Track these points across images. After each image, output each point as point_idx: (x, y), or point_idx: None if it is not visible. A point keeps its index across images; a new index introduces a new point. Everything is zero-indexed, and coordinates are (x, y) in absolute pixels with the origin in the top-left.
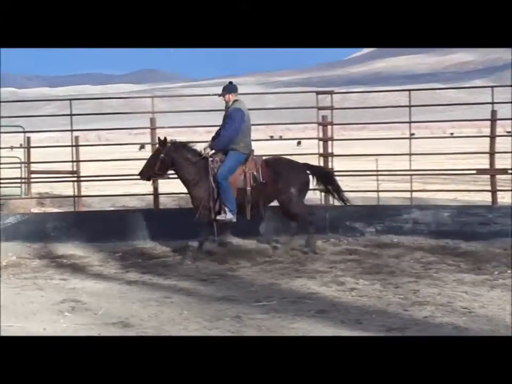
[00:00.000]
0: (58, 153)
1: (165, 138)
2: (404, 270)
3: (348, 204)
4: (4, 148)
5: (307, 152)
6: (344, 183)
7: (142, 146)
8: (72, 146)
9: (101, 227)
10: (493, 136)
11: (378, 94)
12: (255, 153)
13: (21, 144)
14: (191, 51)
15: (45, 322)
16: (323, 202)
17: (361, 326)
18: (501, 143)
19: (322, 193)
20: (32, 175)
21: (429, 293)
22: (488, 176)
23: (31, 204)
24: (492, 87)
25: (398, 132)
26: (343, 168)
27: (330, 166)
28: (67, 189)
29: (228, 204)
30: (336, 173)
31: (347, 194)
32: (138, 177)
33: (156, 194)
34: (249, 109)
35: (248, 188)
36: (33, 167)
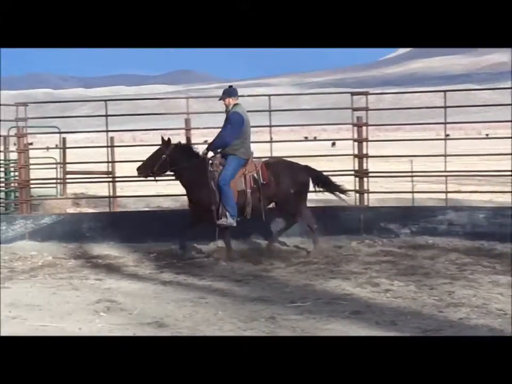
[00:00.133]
0: (93, 154)
1: (169, 139)
2: (438, 272)
3: (347, 195)
4: (40, 149)
5: (342, 153)
6: (378, 184)
7: None
8: (107, 147)
9: (135, 227)
10: None
11: (413, 95)
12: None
13: (56, 145)
14: (226, 52)
15: (80, 322)
16: (357, 203)
17: (396, 328)
18: None
19: (357, 194)
20: (68, 176)
21: (464, 294)
22: None
23: (66, 204)
24: None
25: (433, 132)
26: (377, 169)
27: (365, 167)
28: (102, 189)
29: (229, 208)
30: (371, 174)
31: (381, 196)
32: (138, 173)
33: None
34: (285, 110)
35: (249, 190)
36: (69, 167)
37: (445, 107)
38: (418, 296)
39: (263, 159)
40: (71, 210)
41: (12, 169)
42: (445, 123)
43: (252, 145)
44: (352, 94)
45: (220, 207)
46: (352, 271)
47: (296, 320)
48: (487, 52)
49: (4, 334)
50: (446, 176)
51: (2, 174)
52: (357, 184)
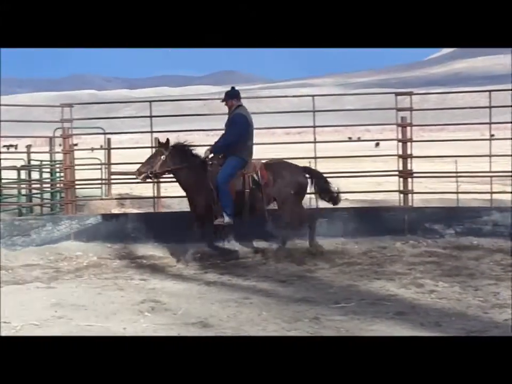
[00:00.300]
0: (138, 155)
1: (167, 140)
2: (483, 273)
3: (338, 203)
4: (85, 150)
5: (386, 154)
6: (423, 184)
7: None
8: (151, 147)
9: (180, 228)
10: None
11: (457, 95)
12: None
13: (101, 146)
14: (270, 52)
15: (125, 322)
16: (402, 203)
17: (441, 329)
18: None
19: (401, 195)
20: (112, 176)
21: (509, 295)
22: None
23: (111, 204)
24: None
25: (477, 133)
26: (422, 169)
27: (409, 168)
28: (147, 190)
29: (226, 208)
30: (415, 175)
31: (426, 196)
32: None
33: None
34: (329, 110)
35: (247, 191)
36: (114, 168)
37: (490, 107)
38: (463, 297)
39: (263, 160)
40: (115, 210)
41: (58, 170)
42: (490, 123)
43: (256, 146)
44: (397, 94)
45: (217, 206)
46: (397, 272)
47: (340, 321)
48: None
49: (51, 334)
50: (491, 176)
51: (48, 175)
52: (401, 184)
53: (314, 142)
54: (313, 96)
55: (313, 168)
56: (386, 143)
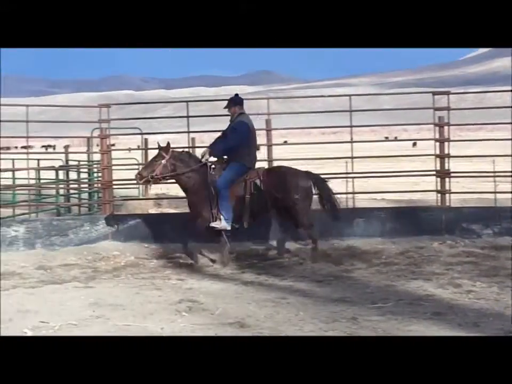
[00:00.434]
0: None
1: (168, 144)
2: None
3: (338, 215)
4: (122, 150)
5: (423, 153)
6: (460, 184)
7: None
8: (188, 147)
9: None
10: None
11: (495, 94)
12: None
13: (138, 146)
14: (306, 52)
15: (163, 322)
16: (439, 203)
17: (479, 329)
18: None
19: (439, 195)
20: None
21: None
22: None
23: (148, 204)
24: None
25: None
26: (459, 169)
27: (446, 167)
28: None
29: (224, 212)
30: (452, 174)
31: (463, 196)
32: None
33: None
34: (366, 110)
35: (247, 196)
36: None
37: None
38: (501, 297)
39: (265, 167)
40: (152, 210)
41: (95, 170)
42: None
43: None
44: (434, 93)
45: (215, 210)
46: (434, 272)
47: (377, 321)
48: None
49: (89, 333)
50: None
51: (86, 175)
52: (439, 184)
53: (351, 141)
54: (349, 95)
55: (316, 173)
56: (423, 143)
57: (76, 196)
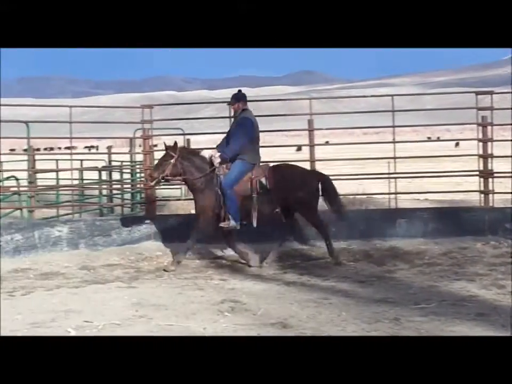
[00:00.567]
0: None
1: (175, 144)
2: None
3: (343, 219)
4: (163, 150)
5: (466, 154)
6: (503, 184)
7: (299, 148)
8: None
9: (261, 229)
10: None
11: None
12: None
13: None
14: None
15: (205, 322)
16: (482, 204)
17: None
18: None
19: (482, 195)
20: None
21: None
22: None
23: (190, 205)
24: None
25: None
26: (503, 169)
27: (489, 167)
28: None
29: (232, 212)
30: (496, 175)
31: (506, 196)
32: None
33: None
34: (409, 110)
35: (254, 195)
36: None
37: None
38: None
39: (271, 164)
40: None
41: (138, 170)
42: None
43: (261, 150)
44: (477, 93)
45: (223, 210)
46: (477, 273)
47: (420, 322)
48: None
49: (132, 333)
50: None
51: (129, 176)
52: (482, 184)
53: (394, 142)
54: (392, 95)
55: (323, 173)
56: (466, 143)
57: (119, 196)
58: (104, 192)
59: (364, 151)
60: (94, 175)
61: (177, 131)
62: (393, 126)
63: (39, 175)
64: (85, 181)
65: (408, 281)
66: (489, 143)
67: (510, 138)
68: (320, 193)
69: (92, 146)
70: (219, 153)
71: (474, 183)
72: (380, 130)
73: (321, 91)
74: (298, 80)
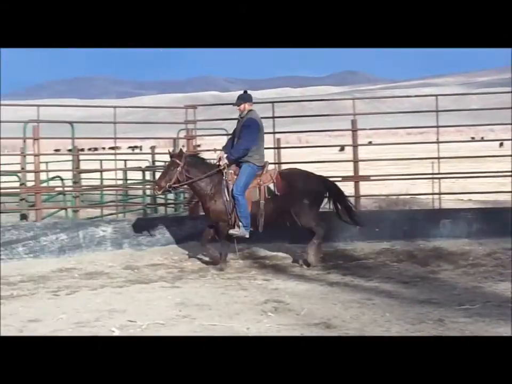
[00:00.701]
0: None
1: (181, 151)
2: None
3: (359, 225)
4: (207, 151)
5: (510, 154)
6: None
7: (342, 148)
8: (274, 148)
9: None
10: None
11: None
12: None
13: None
14: (392, 52)
15: (249, 322)
16: None
17: None
18: None
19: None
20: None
21: None
22: None
23: None
24: None
25: None
26: None
27: None
28: None
29: (243, 219)
30: None
31: None
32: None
33: (357, 196)
34: (453, 110)
35: (262, 201)
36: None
37: None
38: None
39: (278, 170)
40: None
41: None
42: None
43: (265, 151)
44: None
45: (233, 217)
46: None
47: (464, 323)
48: None
49: (175, 333)
50: None
51: None
52: None
53: (437, 142)
54: (436, 95)
55: (329, 179)
56: (510, 143)
57: (162, 196)
58: (148, 192)
59: (407, 151)
60: (137, 175)
61: (220, 131)
62: (437, 126)
63: (83, 175)
64: (128, 181)
65: (452, 282)
66: None
67: None
68: (328, 199)
69: (136, 147)
70: (226, 155)
71: None
72: (423, 130)
73: (365, 91)
74: (341, 80)
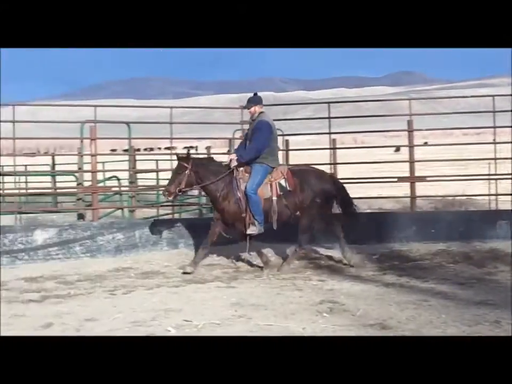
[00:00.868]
0: (314, 156)
1: (188, 154)
2: None
3: (358, 224)
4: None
5: None
6: None
7: (398, 148)
8: (330, 148)
9: (358, 229)
10: None
11: None
12: None
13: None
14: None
15: (304, 322)
16: None
17: None
18: None
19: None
20: None
21: None
22: None
23: None
24: None
25: None
26: None
27: None
28: None
29: (257, 217)
30: None
31: None
32: (166, 195)
33: (412, 196)
34: (509, 110)
35: (274, 198)
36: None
37: None
38: None
39: (289, 166)
40: None
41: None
42: None
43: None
44: None
45: (247, 215)
46: None
47: None
48: None
49: (231, 333)
50: None
51: None
52: None
53: (494, 142)
54: (493, 96)
55: (337, 178)
56: None
57: None
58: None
59: (463, 152)
60: None
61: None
62: (494, 127)
63: (139, 175)
64: None
65: (509, 283)
66: None
67: None
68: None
69: (192, 147)
70: (236, 157)
71: None
72: (480, 131)
73: (420, 91)
74: (397, 80)
